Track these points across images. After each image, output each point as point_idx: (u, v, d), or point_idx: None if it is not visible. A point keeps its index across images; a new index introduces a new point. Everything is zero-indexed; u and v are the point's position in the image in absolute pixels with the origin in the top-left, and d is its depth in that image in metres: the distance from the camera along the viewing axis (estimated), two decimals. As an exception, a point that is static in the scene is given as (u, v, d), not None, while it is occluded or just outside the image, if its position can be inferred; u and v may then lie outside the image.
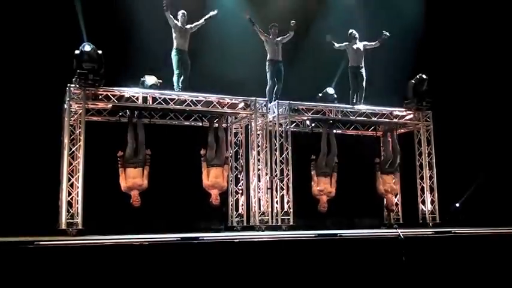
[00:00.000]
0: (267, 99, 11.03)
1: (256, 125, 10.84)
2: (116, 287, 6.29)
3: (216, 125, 10.70)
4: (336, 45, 11.69)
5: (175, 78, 10.58)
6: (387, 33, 11.79)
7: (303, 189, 11.05)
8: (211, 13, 10.87)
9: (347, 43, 11.74)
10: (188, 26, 10.75)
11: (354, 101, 11.66)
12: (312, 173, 11.03)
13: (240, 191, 11.34)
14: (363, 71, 11.73)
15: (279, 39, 11.32)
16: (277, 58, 11.29)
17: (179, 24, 10.66)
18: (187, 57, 10.67)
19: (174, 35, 10.67)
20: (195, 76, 10.82)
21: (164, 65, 10.94)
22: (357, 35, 11.77)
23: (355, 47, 11.75)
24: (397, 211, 12.53)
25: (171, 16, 10.57)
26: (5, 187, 9.90)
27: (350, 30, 11.84)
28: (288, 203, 10.64)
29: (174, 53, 10.64)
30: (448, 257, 7.94)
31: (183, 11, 10.72)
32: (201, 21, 10.87)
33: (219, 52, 12.01)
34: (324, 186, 10.98)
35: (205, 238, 7.27)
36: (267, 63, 11.31)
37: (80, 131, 9.71)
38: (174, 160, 10.95)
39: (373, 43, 11.92)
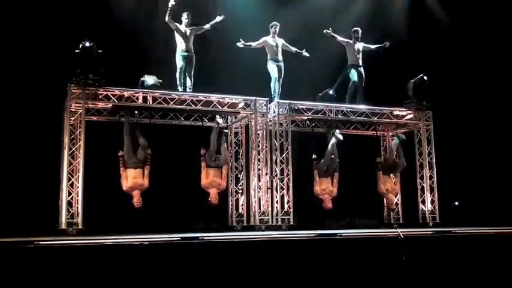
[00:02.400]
0: (267, 99, 11.01)
1: (257, 124, 10.84)
2: (116, 287, 6.29)
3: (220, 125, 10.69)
4: (339, 38, 11.67)
5: (177, 78, 10.58)
6: (388, 43, 11.88)
7: (303, 189, 11.05)
8: (218, 19, 10.86)
9: (348, 40, 11.75)
10: (192, 28, 10.77)
11: (353, 100, 11.66)
12: (314, 173, 11.02)
13: (240, 191, 11.35)
14: (362, 70, 11.74)
15: (279, 40, 11.32)
16: (278, 57, 11.30)
17: (183, 26, 10.68)
18: (193, 58, 10.70)
19: (177, 37, 10.67)
20: (195, 76, 10.81)
21: (164, 65, 10.94)
22: (360, 35, 11.78)
23: (355, 46, 11.77)
24: (397, 211, 12.55)
25: (172, 21, 10.58)
26: (5, 187, 9.90)
27: (355, 28, 11.84)
28: (288, 202, 10.63)
29: (178, 54, 10.64)
30: (448, 257, 7.95)
31: (187, 12, 10.73)
32: (207, 26, 10.87)
33: (219, 52, 12.00)
34: (325, 186, 10.99)
35: (205, 238, 7.28)
36: (268, 63, 11.30)
37: (80, 131, 9.70)
38: (174, 160, 10.95)
39: (372, 46, 11.96)
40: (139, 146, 9.96)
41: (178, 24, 10.66)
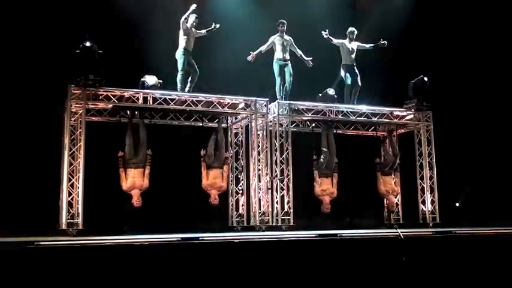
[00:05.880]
0: (267, 99, 11.00)
1: (257, 125, 10.84)
2: (116, 287, 6.30)
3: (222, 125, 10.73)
4: (334, 40, 11.65)
5: (179, 78, 10.57)
6: (385, 42, 11.84)
7: (303, 190, 11.05)
8: (213, 26, 10.90)
9: (342, 41, 11.74)
10: (194, 31, 10.81)
11: (349, 99, 11.65)
12: (315, 173, 11.02)
13: (240, 191, 11.35)
14: (356, 69, 11.71)
15: (288, 39, 11.33)
16: (285, 57, 11.31)
17: (189, 27, 10.70)
18: (191, 58, 10.71)
19: (183, 37, 10.68)
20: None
21: (164, 65, 10.94)
22: (355, 34, 11.77)
23: (349, 46, 11.75)
24: (397, 211, 12.54)
25: (185, 22, 10.61)
26: (5, 187, 9.91)
27: (350, 29, 11.82)
28: (288, 203, 10.63)
29: (181, 53, 10.64)
30: (448, 257, 7.94)
31: (195, 15, 10.75)
32: (204, 31, 10.92)
33: (219, 52, 12.01)
34: (326, 186, 10.99)
35: (205, 238, 7.28)
36: (275, 62, 11.31)
37: (80, 131, 9.71)
38: (174, 160, 10.95)
39: (367, 46, 11.92)
40: (139, 145, 9.97)
41: (186, 24, 10.69)
